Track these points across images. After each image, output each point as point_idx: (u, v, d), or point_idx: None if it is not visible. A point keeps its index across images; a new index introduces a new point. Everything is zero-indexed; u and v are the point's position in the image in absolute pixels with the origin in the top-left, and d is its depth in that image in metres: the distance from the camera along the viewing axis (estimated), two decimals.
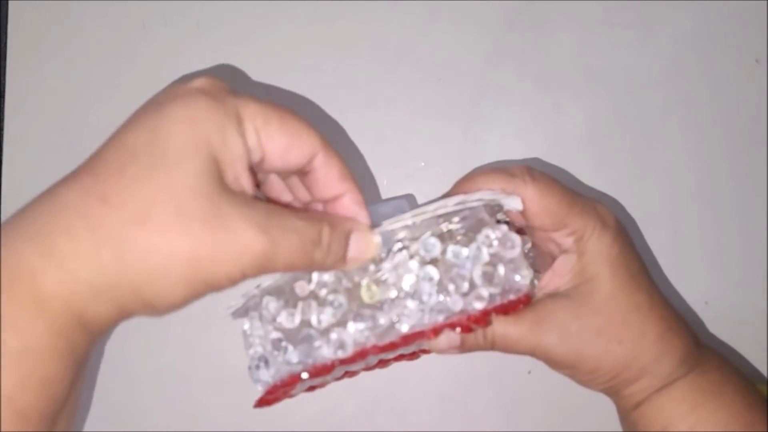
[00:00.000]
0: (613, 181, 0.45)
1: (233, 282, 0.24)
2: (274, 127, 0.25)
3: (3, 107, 0.45)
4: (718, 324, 0.45)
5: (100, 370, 0.43)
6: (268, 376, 0.31)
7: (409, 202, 0.31)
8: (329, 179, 0.28)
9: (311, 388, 0.33)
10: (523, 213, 0.32)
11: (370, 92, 0.45)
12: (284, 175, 0.29)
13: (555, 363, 0.32)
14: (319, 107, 0.45)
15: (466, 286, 0.29)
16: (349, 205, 0.28)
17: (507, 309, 0.31)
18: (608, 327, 0.31)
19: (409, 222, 0.29)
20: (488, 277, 0.30)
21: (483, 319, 0.30)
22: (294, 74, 0.45)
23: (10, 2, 0.45)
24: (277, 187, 0.30)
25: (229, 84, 0.27)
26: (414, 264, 0.29)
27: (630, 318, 0.32)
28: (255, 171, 0.27)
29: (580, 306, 0.31)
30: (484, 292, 0.30)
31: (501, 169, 0.32)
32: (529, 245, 0.34)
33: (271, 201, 0.30)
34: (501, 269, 0.30)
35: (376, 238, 0.28)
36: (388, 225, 0.29)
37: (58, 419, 0.23)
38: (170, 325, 0.43)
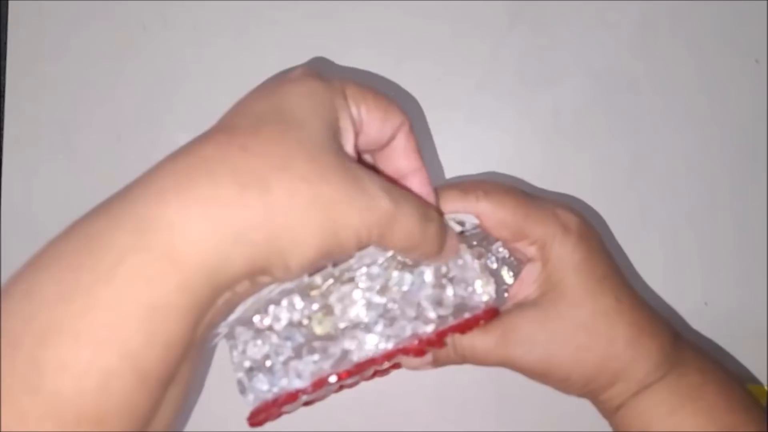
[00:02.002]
0: (613, 181, 0.45)
1: (359, 240, 0.24)
2: (371, 103, 0.27)
3: (3, 107, 0.45)
4: (718, 324, 0.45)
5: None
6: (250, 400, 0.31)
7: None
8: (407, 152, 0.29)
9: (308, 403, 0.33)
10: (480, 227, 0.32)
11: None
12: (365, 150, 0.30)
13: (525, 373, 0.32)
14: None
15: (412, 311, 0.30)
16: (420, 185, 0.29)
17: (464, 328, 0.31)
18: (575, 334, 0.31)
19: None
20: (437, 299, 0.30)
21: (437, 341, 0.30)
22: None
23: (10, 2, 0.45)
24: None
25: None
26: (358, 293, 0.30)
27: (597, 323, 0.31)
28: None
29: (547, 314, 0.31)
30: (432, 314, 0.30)
31: (455, 185, 0.32)
32: (506, 253, 0.34)
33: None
34: (449, 290, 0.31)
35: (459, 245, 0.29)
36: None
37: (165, 399, 0.22)
38: None
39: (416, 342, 0.30)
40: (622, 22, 0.46)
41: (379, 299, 0.30)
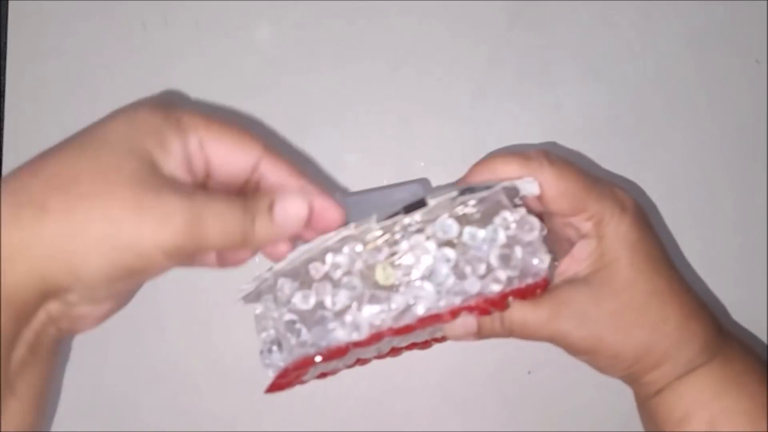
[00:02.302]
0: (612, 179, 0.45)
1: (166, 252, 0.24)
2: (216, 135, 0.27)
3: (3, 107, 0.45)
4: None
5: (100, 367, 0.43)
6: (280, 359, 0.30)
7: (423, 186, 0.31)
8: (280, 180, 0.28)
9: (323, 375, 0.33)
10: (540, 198, 0.31)
11: (370, 92, 0.45)
12: (237, 187, 0.30)
13: (574, 349, 0.32)
14: (318, 108, 0.45)
15: (483, 268, 0.29)
16: (312, 199, 0.28)
17: (525, 293, 0.30)
18: (628, 312, 0.31)
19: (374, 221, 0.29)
20: (505, 260, 0.29)
21: (500, 302, 0.29)
22: (294, 74, 0.45)
23: (10, 2, 0.45)
24: None
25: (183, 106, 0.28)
26: (431, 245, 0.29)
27: (650, 303, 0.31)
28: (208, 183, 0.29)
29: (600, 291, 0.31)
30: (502, 274, 0.29)
31: (517, 153, 0.32)
32: (545, 231, 0.33)
33: None
34: (518, 252, 0.30)
35: (301, 200, 0.28)
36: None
37: None
38: (170, 322, 0.43)
39: (482, 301, 0.29)
40: (622, 22, 0.46)
41: (450, 253, 0.29)
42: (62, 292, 0.24)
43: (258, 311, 0.32)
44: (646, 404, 0.33)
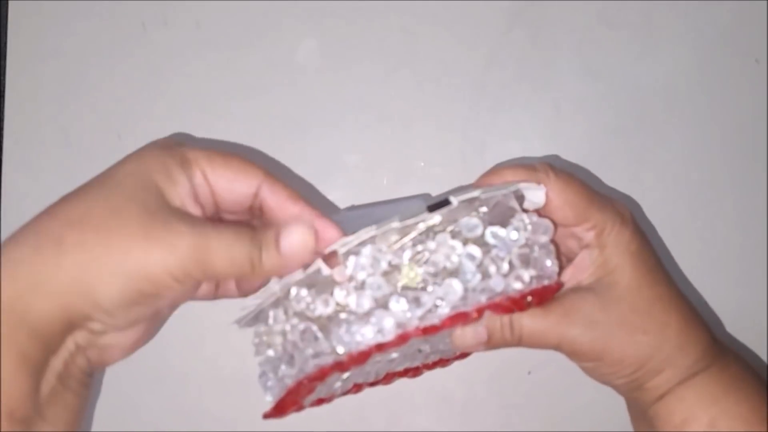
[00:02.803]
0: (612, 181, 0.45)
1: (174, 276, 0.26)
2: (218, 166, 0.29)
3: (3, 107, 0.45)
4: (718, 324, 0.45)
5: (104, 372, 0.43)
6: (290, 375, 0.29)
7: (424, 200, 0.30)
8: (279, 203, 0.30)
9: (319, 402, 0.33)
10: (544, 207, 0.32)
11: (370, 93, 0.45)
12: (245, 213, 0.31)
13: (581, 355, 0.32)
14: (318, 108, 0.45)
15: (506, 267, 0.29)
16: (312, 221, 0.29)
17: (542, 294, 0.30)
18: (632, 317, 0.32)
19: (373, 231, 0.28)
20: (525, 260, 0.30)
21: (521, 301, 0.30)
22: (294, 74, 0.45)
23: (10, 2, 0.45)
24: None
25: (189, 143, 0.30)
26: (457, 244, 0.29)
27: (653, 308, 0.32)
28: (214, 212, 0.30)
29: (604, 297, 0.32)
30: (525, 273, 0.30)
31: (523, 164, 0.33)
32: (553, 228, 0.33)
33: None
34: (536, 253, 0.30)
35: (307, 231, 0.28)
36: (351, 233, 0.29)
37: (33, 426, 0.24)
38: (170, 322, 0.43)
39: (505, 299, 0.29)
40: (622, 22, 0.46)
41: (477, 251, 0.29)
42: (85, 320, 0.26)
43: (261, 328, 0.31)
44: (646, 411, 0.34)
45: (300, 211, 0.30)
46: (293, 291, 0.29)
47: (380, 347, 0.28)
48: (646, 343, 0.32)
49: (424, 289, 0.28)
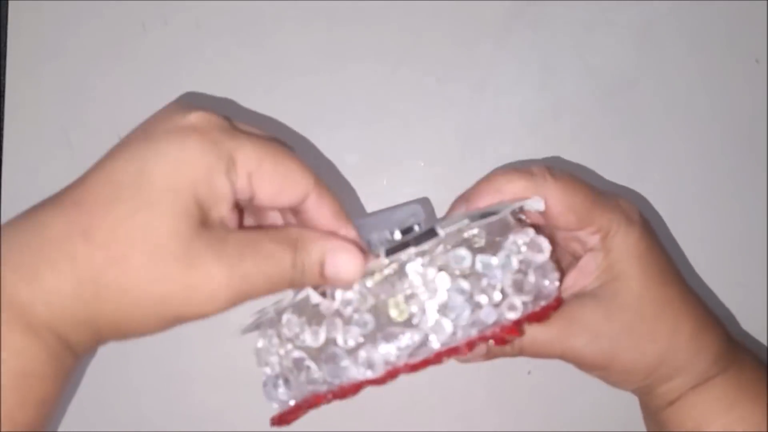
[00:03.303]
0: (613, 180, 0.45)
1: (210, 315, 0.25)
2: (267, 170, 0.26)
3: (3, 107, 0.45)
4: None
5: (101, 367, 0.43)
6: (287, 395, 0.30)
7: (423, 205, 0.30)
8: (321, 218, 0.28)
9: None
10: (544, 213, 0.31)
11: (370, 92, 0.45)
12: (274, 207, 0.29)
13: (586, 365, 0.31)
14: (318, 108, 0.45)
15: (497, 296, 0.28)
16: (341, 240, 0.28)
17: (539, 316, 0.29)
18: (640, 325, 0.30)
19: (413, 250, 0.28)
20: (519, 286, 0.29)
21: (516, 329, 0.28)
22: (294, 74, 0.45)
23: (10, 2, 0.45)
24: (267, 215, 0.30)
25: (227, 119, 0.27)
26: (444, 278, 0.28)
27: (662, 314, 0.31)
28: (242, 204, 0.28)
29: (610, 305, 0.30)
30: (517, 301, 0.28)
31: (521, 169, 0.31)
32: (550, 247, 0.32)
33: (252, 227, 0.30)
34: (531, 276, 0.29)
35: (357, 261, 0.27)
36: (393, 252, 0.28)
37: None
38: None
39: (498, 330, 0.28)
40: (622, 22, 0.46)
41: (465, 284, 0.28)
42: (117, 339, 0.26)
43: (259, 345, 0.31)
44: (657, 415, 0.33)
45: (343, 231, 0.28)
46: (284, 317, 0.29)
47: (370, 382, 0.28)
48: (654, 351, 0.30)
49: (411, 325, 0.27)
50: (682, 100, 0.46)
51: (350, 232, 0.28)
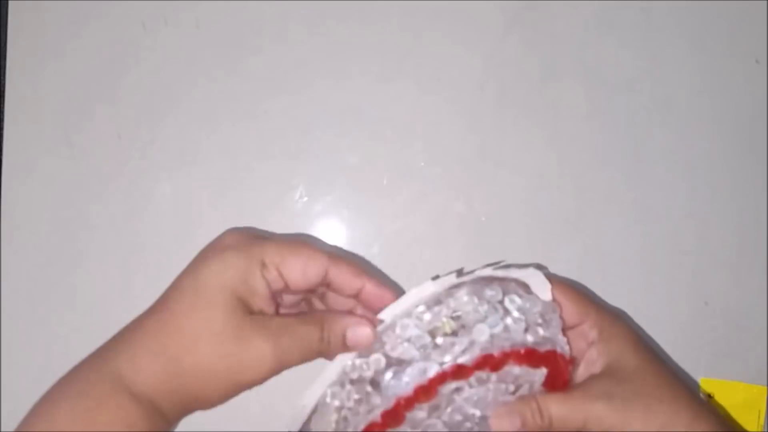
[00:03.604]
0: (612, 180, 0.45)
1: (261, 381, 0.33)
2: (289, 259, 0.34)
3: (3, 107, 0.45)
4: (718, 324, 0.45)
5: None
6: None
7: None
8: (346, 281, 0.35)
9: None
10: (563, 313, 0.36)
11: (370, 92, 0.45)
12: (315, 293, 0.37)
13: (607, 427, 0.34)
14: (319, 108, 0.45)
15: (523, 325, 0.34)
16: (372, 291, 0.35)
17: (556, 364, 0.34)
18: (645, 389, 0.35)
19: (410, 303, 0.34)
20: (539, 323, 0.34)
21: (535, 356, 0.34)
22: (293, 74, 0.45)
23: (10, 2, 0.45)
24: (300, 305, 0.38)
25: (253, 232, 0.35)
26: (482, 302, 0.34)
27: (661, 384, 0.35)
28: (283, 294, 0.36)
29: (616, 377, 0.35)
30: (539, 329, 0.34)
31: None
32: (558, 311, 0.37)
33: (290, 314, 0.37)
34: (550, 319, 0.34)
35: (369, 330, 0.34)
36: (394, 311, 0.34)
37: None
38: None
39: (524, 350, 0.33)
40: (622, 23, 0.46)
41: (498, 308, 0.34)
42: (193, 411, 0.34)
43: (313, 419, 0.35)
44: None
45: (365, 284, 0.35)
46: (348, 363, 0.34)
47: (424, 389, 0.32)
48: (663, 411, 0.34)
49: (456, 334, 0.33)
50: (682, 100, 0.46)
51: (374, 284, 0.35)
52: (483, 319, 0.33)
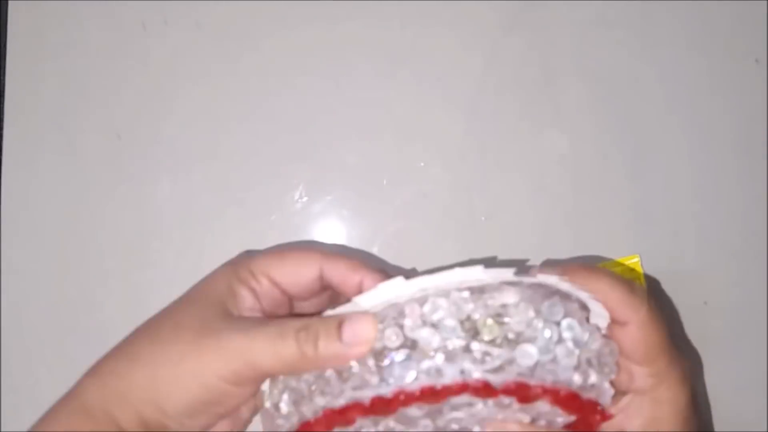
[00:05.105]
0: (613, 180, 0.45)
1: (226, 380, 0.28)
2: (278, 266, 0.32)
3: (3, 107, 0.45)
4: (718, 324, 0.45)
5: None
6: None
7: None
8: (343, 276, 0.32)
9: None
10: (617, 333, 0.30)
11: (370, 92, 0.45)
12: (321, 298, 0.35)
13: None
14: (318, 108, 0.45)
15: (574, 360, 0.27)
16: (371, 285, 0.30)
17: (591, 415, 0.28)
18: None
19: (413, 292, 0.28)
20: (591, 364, 0.28)
21: (574, 402, 0.28)
22: (293, 74, 0.45)
23: (10, 2, 0.45)
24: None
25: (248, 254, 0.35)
26: (538, 318, 0.27)
27: None
28: (294, 301, 0.34)
29: None
30: (592, 373, 0.28)
31: (626, 282, 0.30)
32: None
33: None
34: (607, 364, 0.28)
35: (369, 322, 0.28)
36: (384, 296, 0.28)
37: None
38: None
39: (565, 391, 0.27)
40: (622, 23, 0.46)
41: (554, 332, 0.27)
42: (161, 426, 0.29)
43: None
44: None
45: (364, 277, 0.32)
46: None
47: (433, 393, 0.26)
48: None
49: (497, 345, 0.27)
50: (682, 100, 0.46)
51: (374, 276, 0.31)
52: (533, 340, 0.27)
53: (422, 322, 0.27)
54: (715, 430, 0.44)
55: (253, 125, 0.45)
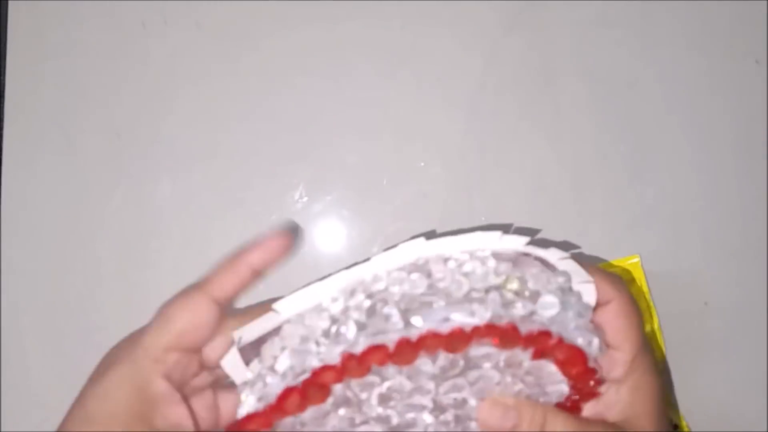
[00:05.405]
0: (613, 180, 0.45)
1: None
2: (171, 329, 0.30)
3: (3, 107, 0.45)
4: (718, 324, 0.45)
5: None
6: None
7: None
8: (232, 281, 0.31)
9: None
10: (598, 314, 0.31)
11: (370, 92, 0.45)
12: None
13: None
14: (318, 108, 0.45)
15: (582, 324, 0.29)
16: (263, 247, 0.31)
17: (586, 373, 0.30)
18: None
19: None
20: (594, 333, 0.30)
21: (580, 363, 0.29)
22: (293, 74, 0.45)
23: (10, 2, 0.45)
24: None
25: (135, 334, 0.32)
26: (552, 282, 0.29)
27: None
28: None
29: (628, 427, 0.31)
30: (595, 340, 0.29)
31: (602, 269, 0.32)
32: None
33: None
34: (600, 336, 0.30)
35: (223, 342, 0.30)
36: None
37: None
38: None
39: (575, 347, 0.29)
40: (622, 23, 0.46)
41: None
42: None
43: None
44: None
45: (251, 258, 0.31)
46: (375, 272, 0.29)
47: (461, 334, 0.27)
48: None
49: (522, 297, 0.28)
50: (682, 100, 0.46)
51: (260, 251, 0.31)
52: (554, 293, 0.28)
53: (450, 273, 0.28)
54: (715, 430, 0.44)
55: (253, 125, 0.45)
